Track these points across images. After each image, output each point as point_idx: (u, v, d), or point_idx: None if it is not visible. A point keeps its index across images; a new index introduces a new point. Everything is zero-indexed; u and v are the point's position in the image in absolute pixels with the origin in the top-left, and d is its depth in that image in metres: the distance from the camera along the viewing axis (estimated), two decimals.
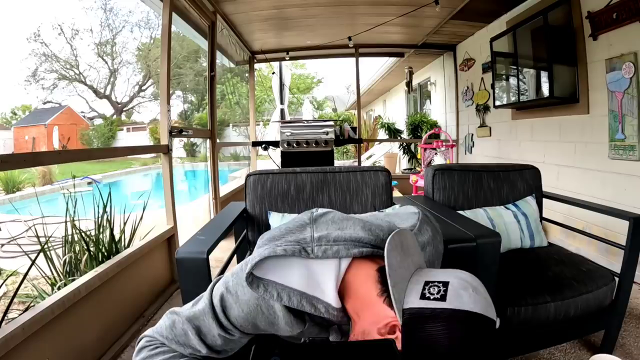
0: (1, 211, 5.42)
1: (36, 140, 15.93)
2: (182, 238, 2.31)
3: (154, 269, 2.07)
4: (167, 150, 2.21)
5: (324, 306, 0.65)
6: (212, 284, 0.71)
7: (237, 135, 14.87)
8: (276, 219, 1.39)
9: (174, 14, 2.31)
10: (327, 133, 3.60)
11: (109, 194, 2.00)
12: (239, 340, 0.69)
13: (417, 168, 5.64)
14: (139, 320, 1.81)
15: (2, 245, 3.16)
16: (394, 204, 1.50)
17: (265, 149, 3.99)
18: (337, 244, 0.67)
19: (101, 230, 1.92)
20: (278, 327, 0.67)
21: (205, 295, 0.69)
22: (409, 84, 4.90)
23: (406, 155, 6.13)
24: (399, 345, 0.57)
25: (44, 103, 18.19)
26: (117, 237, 1.97)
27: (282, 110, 5.50)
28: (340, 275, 0.67)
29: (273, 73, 5.78)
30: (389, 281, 0.59)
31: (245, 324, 0.66)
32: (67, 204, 1.92)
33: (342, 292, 0.67)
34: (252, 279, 0.64)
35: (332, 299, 0.65)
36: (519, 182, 1.75)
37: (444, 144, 4.24)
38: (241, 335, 0.68)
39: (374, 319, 0.61)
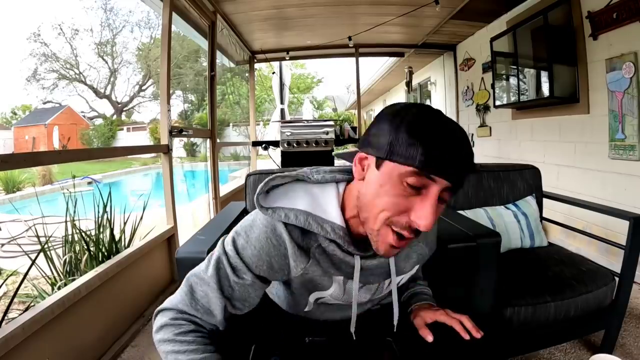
0: (1, 211, 5.42)
1: (36, 140, 15.94)
2: (182, 238, 2.31)
3: (154, 269, 2.07)
4: (167, 150, 2.21)
5: (329, 225, 0.68)
6: (220, 241, 0.73)
7: (237, 135, 14.83)
8: None
9: (174, 14, 2.31)
10: (327, 133, 3.59)
11: (109, 193, 2.00)
12: (252, 287, 0.69)
13: None
14: (138, 320, 1.81)
15: (2, 245, 3.16)
16: None
17: (266, 148, 3.99)
18: (332, 173, 0.74)
19: (101, 230, 1.92)
20: (288, 261, 0.69)
21: (216, 250, 0.71)
22: (409, 83, 4.90)
23: None
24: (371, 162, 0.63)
25: (44, 103, 18.19)
26: (117, 237, 1.97)
27: (282, 110, 5.50)
28: (340, 195, 0.72)
29: (273, 73, 5.78)
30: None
31: (260, 263, 0.69)
32: (67, 203, 1.92)
33: (344, 212, 0.71)
34: (260, 208, 0.68)
35: (336, 217, 0.69)
36: (519, 181, 1.75)
37: None
38: (253, 280, 0.69)
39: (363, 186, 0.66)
